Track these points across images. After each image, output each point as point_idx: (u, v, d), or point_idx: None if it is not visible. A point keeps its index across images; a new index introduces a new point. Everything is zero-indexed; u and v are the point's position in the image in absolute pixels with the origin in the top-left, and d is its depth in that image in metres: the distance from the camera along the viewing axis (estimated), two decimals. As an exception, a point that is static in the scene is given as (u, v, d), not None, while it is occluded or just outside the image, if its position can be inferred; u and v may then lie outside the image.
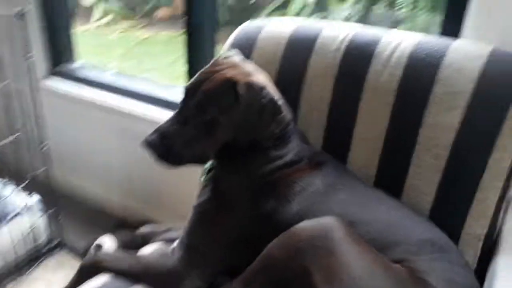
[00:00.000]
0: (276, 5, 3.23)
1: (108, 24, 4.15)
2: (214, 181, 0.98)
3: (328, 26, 1.09)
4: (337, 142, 1.07)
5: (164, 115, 1.66)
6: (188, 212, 1.75)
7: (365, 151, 1.03)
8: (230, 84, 0.91)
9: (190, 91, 0.94)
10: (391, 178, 0.99)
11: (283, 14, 3.11)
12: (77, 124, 2.03)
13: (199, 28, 1.56)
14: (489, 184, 0.87)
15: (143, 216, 1.95)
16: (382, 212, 0.86)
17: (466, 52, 0.92)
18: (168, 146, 0.91)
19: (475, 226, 0.89)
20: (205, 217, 0.95)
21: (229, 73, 0.93)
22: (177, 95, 1.75)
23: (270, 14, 3.22)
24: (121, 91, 1.88)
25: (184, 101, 0.95)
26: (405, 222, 0.83)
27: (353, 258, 0.73)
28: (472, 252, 0.90)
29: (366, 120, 1.01)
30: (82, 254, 1.76)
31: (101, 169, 2.05)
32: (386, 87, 0.97)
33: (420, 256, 0.77)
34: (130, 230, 1.86)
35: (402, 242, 0.79)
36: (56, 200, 1.76)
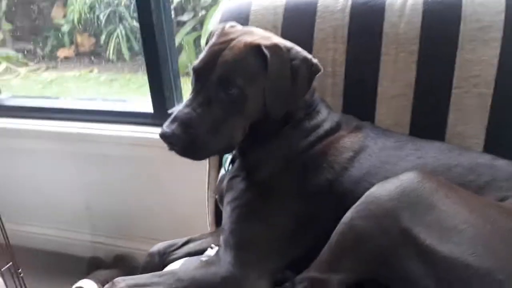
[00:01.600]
0: None
1: (6, 70, 3.70)
2: (246, 169, 0.84)
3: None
4: (359, 105, 0.98)
5: (122, 129, 1.51)
6: (167, 232, 1.59)
7: (394, 109, 0.96)
8: (254, 49, 0.78)
9: (203, 69, 0.80)
10: (428, 131, 0.93)
11: None
12: (14, 161, 1.72)
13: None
14: (542, 110, 0.84)
15: (116, 251, 1.71)
16: (455, 157, 0.78)
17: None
18: (193, 135, 0.76)
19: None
20: (250, 209, 0.80)
21: (248, 39, 0.81)
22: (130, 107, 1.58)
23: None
24: (58, 113, 1.64)
25: (199, 82, 0.80)
26: (484, 161, 0.76)
27: (459, 205, 0.64)
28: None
29: (390, 76, 0.95)
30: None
31: (54, 208, 1.76)
32: (408, 37, 0.92)
33: (517, 189, 0.70)
34: (107, 268, 1.63)
35: (493, 180, 0.72)
36: (11, 254, 1.45)
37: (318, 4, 0.99)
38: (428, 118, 0.93)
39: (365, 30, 0.95)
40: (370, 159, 0.79)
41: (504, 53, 0.85)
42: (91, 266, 1.63)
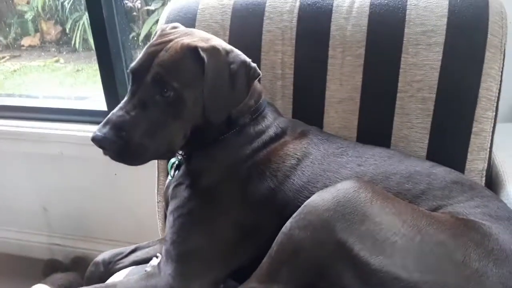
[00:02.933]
0: None
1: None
2: (190, 176, 0.82)
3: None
4: (308, 108, 0.98)
5: (77, 129, 1.46)
6: (123, 234, 1.57)
7: (341, 113, 0.96)
8: (192, 51, 0.76)
9: (139, 71, 0.77)
10: (375, 135, 0.93)
11: None
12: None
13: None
14: (483, 115, 0.85)
15: (74, 252, 1.67)
16: (394, 165, 0.78)
17: (427, -12, 0.90)
18: (126, 139, 0.73)
19: (477, 161, 0.87)
20: (192, 219, 0.78)
21: (186, 40, 0.78)
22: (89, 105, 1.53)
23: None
24: (19, 113, 1.57)
25: (135, 83, 0.77)
26: (422, 169, 0.76)
27: (393, 216, 0.63)
28: (476, 189, 0.88)
29: (337, 79, 0.94)
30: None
31: (9, 209, 1.70)
32: (354, 39, 0.91)
33: (452, 199, 0.70)
34: (63, 270, 1.59)
35: (428, 189, 0.72)
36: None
37: (267, 4, 0.97)
38: (375, 122, 0.93)
39: (313, 32, 0.94)
40: (312, 167, 0.78)
41: (446, 58, 0.85)
42: (48, 269, 1.59)
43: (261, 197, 0.77)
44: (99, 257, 0.96)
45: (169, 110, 0.75)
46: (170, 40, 0.78)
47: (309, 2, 0.95)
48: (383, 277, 0.59)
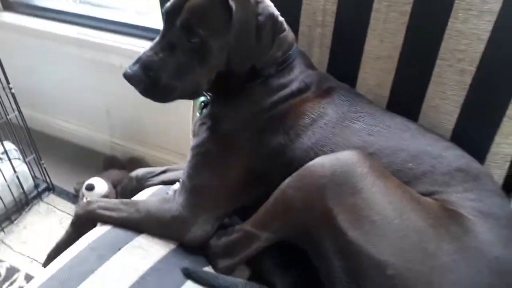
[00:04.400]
0: None
1: None
2: (212, 119, 0.87)
3: None
4: (345, 61, 0.96)
5: (137, 44, 1.53)
6: (174, 145, 1.70)
7: (377, 71, 0.92)
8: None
9: (171, 13, 0.79)
10: (406, 99, 0.91)
11: None
12: (43, 60, 1.83)
13: None
14: (523, 100, 0.78)
15: (130, 153, 1.86)
16: (406, 140, 0.77)
17: None
18: (153, 78, 0.78)
19: (504, 145, 0.82)
20: (208, 158, 0.85)
21: None
22: (149, 21, 1.57)
23: None
24: (86, 21, 1.67)
25: (167, 25, 0.80)
26: (432, 150, 0.75)
27: (382, 195, 0.65)
28: (499, 172, 0.84)
29: (378, 35, 0.89)
30: (75, 195, 1.70)
31: (78, 106, 1.91)
32: (402, -5, 0.84)
33: (451, 187, 0.70)
34: (120, 168, 1.79)
35: (430, 172, 0.72)
36: (34, 144, 1.64)
37: None
38: (409, 86, 0.90)
39: (359, -21, 0.88)
40: (324, 129, 0.79)
41: (496, 29, 0.76)
42: (107, 164, 1.80)
43: (271, 150, 0.81)
44: (133, 173, 1.08)
45: (195, 55, 0.78)
46: None
47: None
48: (355, 251, 0.63)
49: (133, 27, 1.57)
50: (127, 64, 1.65)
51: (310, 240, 0.70)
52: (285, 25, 0.79)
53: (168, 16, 0.80)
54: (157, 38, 0.80)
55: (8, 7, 1.84)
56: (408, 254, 0.61)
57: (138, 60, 0.78)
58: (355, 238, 0.64)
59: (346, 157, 0.69)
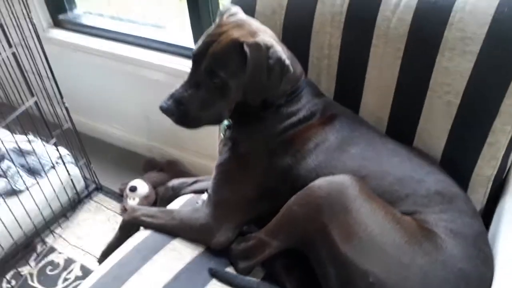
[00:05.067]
0: None
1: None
2: (232, 141, 1.03)
3: (333, -32, 1.04)
4: (349, 88, 1.08)
5: (170, 61, 1.70)
6: (206, 149, 1.87)
7: (377, 97, 1.04)
8: (237, 46, 0.90)
9: (198, 56, 0.95)
10: (403, 122, 1.03)
11: None
12: (89, 72, 2.05)
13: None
14: (500, 128, 0.89)
15: (168, 156, 2.06)
16: (394, 165, 0.90)
17: (480, -9, 0.89)
18: (184, 111, 0.95)
19: (486, 168, 0.93)
20: (228, 176, 1.01)
21: (235, 33, 0.92)
22: (181, 40, 1.74)
23: None
24: (126, 39, 1.86)
25: (194, 67, 0.96)
26: (416, 174, 0.88)
27: (368, 214, 0.79)
28: (482, 191, 0.96)
29: (377, 66, 1.02)
30: (120, 195, 1.91)
31: (121, 113, 2.12)
32: (396, 33, 0.96)
33: (429, 208, 0.83)
34: (158, 170, 1.99)
35: (412, 195, 0.85)
36: (84, 150, 1.86)
37: (323, -12, 1.04)
38: (405, 111, 1.02)
39: (360, 20, 1.00)
40: (325, 153, 0.93)
41: (476, 68, 0.88)
42: (147, 166, 2.00)
43: (280, 170, 0.96)
44: (170, 183, 1.27)
45: (217, 92, 0.94)
46: (223, 32, 0.93)
47: (361, -10, 1.00)
48: (344, 261, 0.78)
49: (166, 44, 1.74)
50: (163, 77, 1.84)
51: (310, 249, 0.85)
52: (291, 66, 0.93)
53: (195, 59, 0.96)
54: (187, 78, 0.97)
55: (57, 25, 2.07)
56: (387, 265, 0.76)
57: (172, 96, 0.95)
58: (345, 250, 0.78)
59: (340, 180, 0.84)
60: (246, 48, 0.90)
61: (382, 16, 0.97)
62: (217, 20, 1.00)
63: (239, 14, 1.00)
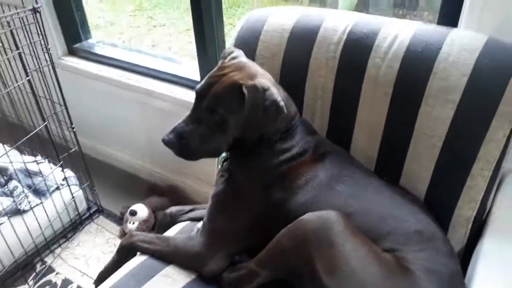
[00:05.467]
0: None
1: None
2: (229, 173, 1.09)
3: (329, 16, 1.13)
4: (341, 128, 1.15)
5: (176, 91, 1.79)
6: (206, 176, 1.93)
7: (367, 137, 1.11)
8: (237, 87, 0.98)
9: (201, 94, 1.02)
10: (391, 162, 1.08)
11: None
12: (98, 98, 2.14)
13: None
14: (479, 173, 0.95)
15: (169, 181, 2.12)
16: (378, 203, 0.95)
17: (462, 45, 0.96)
18: (185, 144, 1.02)
19: (465, 209, 0.98)
20: (223, 207, 1.07)
21: (235, 76, 1.00)
22: (188, 72, 1.83)
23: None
24: (135, 68, 1.96)
25: (196, 103, 1.03)
26: (398, 213, 0.93)
27: (351, 249, 0.84)
28: (462, 231, 1.01)
29: (367, 109, 1.08)
30: (120, 218, 1.96)
31: (126, 138, 2.19)
32: (385, 79, 1.03)
33: (408, 246, 0.88)
34: (159, 194, 2.05)
35: (393, 233, 0.90)
36: (89, 173, 1.93)
37: (319, 34, 1.11)
38: (393, 151, 1.07)
39: (352, 65, 1.08)
40: (315, 189, 0.99)
41: (456, 116, 0.94)
42: (149, 191, 2.06)
43: (273, 203, 1.01)
44: (168, 210, 1.32)
45: (217, 127, 1.01)
46: (225, 74, 1.01)
47: (354, 38, 1.07)
48: (326, 292, 0.82)
49: (174, 76, 1.83)
50: (168, 107, 1.91)
51: (297, 280, 0.90)
52: (285, 107, 1.00)
53: (197, 96, 1.03)
54: (188, 113, 1.04)
55: (72, 53, 2.18)
56: (365, 298, 0.80)
57: (174, 130, 1.02)
58: (328, 282, 0.83)
59: (328, 216, 0.89)
60: (245, 90, 0.97)
61: (372, 63, 1.05)
62: (220, 62, 1.08)
63: (240, 57, 1.08)
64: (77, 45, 2.14)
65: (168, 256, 1.08)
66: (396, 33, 1.03)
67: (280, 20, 1.16)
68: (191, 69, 1.83)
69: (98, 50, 2.11)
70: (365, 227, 0.91)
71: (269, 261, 0.95)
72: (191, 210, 1.32)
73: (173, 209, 1.33)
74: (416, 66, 0.99)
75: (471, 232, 1.00)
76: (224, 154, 1.15)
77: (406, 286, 0.81)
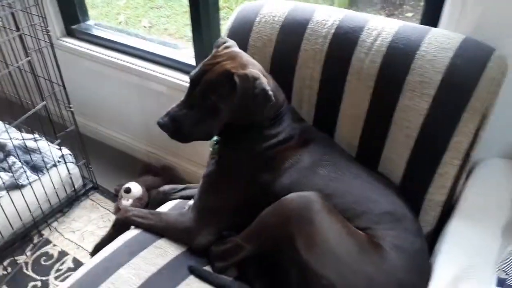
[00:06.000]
0: None
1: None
2: (219, 155, 1.17)
3: (319, 10, 1.19)
4: (326, 116, 1.22)
5: (172, 75, 1.85)
6: (199, 158, 2.01)
7: (350, 125, 1.18)
8: (228, 75, 1.05)
9: (194, 80, 1.09)
10: (370, 149, 1.16)
11: None
12: (96, 79, 2.19)
13: None
14: (449, 162, 1.03)
15: (164, 162, 2.19)
16: (355, 186, 1.04)
17: (439, 43, 1.03)
18: (178, 127, 1.09)
19: (436, 194, 1.07)
20: (212, 186, 1.15)
21: (228, 65, 1.07)
22: (184, 56, 1.88)
23: None
24: (133, 52, 2.00)
25: (190, 89, 1.10)
26: (373, 195, 1.02)
27: (328, 227, 0.92)
28: (433, 214, 1.10)
29: (350, 99, 1.16)
30: (115, 195, 2.04)
31: (123, 119, 2.26)
32: (368, 72, 1.10)
33: (379, 225, 0.96)
34: (154, 174, 2.12)
35: (367, 213, 0.98)
36: (85, 151, 2.00)
37: (308, 27, 1.18)
38: (372, 140, 1.15)
39: (338, 58, 1.15)
40: (298, 172, 1.07)
41: (431, 108, 1.02)
42: (143, 170, 2.13)
43: (259, 184, 1.09)
44: (161, 188, 1.40)
45: (208, 113, 1.08)
46: (218, 62, 1.08)
47: (341, 32, 1.14)
48: (305, 266, 0.91)
49: (170, 60, 1.88)
50: (164, 89, 1.97)
51: (278, 255, 0.98)
52: (274, 96, 1.07)
53: (191, 82, 1.10)
54: (183, 98, 1.11)
55: (70, 34, 2.22)
56: (339, 271, 0.89)
57: (168, 114, 1.09)
58: (306, 257, 0.91)
59: (308, 196, 0.97)
60: (236, 78, 1.04)
61: (356, 57, 1.12)
62: (213, 51, 1.14)
63: (233, 47, 1.14)
64: (75, 26, 2.18)
65: (160, 230, 1.16)
66: (380, 29, 1.10)
67: (272, 12, 1.22)
68: (187, 54, 1.88)
69: (96, 32, 2.14)
70: (342, 207, 0.99)
71: (253, 236, 1.03)
72: (183, 189, 1.40)
73: (166, 187, 1.40)
74: (397, 62, 1.07)
75: (441, 215, 1.09)
76: (215, 138, 1.23)
77: (376, 259, 0.90)
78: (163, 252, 1.11)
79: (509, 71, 1.02)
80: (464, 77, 0.99)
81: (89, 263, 1.12)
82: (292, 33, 1.20)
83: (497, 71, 0.98)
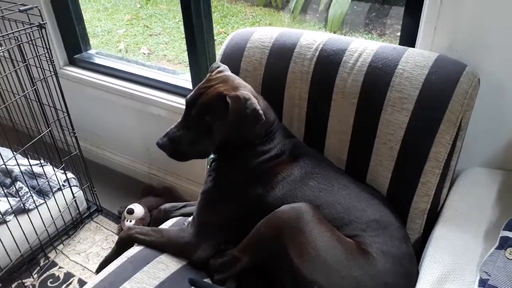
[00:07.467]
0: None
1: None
2: (215, 173, 1.24)
3: (305, 35, 1.28)
4: (315, 132, 1.30)
5: (171, 99, 1.94)
6: (198, 178, 2.08)
7: (337, 141, 1.26)
8: (222, 97, 1.13)
9: (190, 103, 1.17)
10: (358, 162, 1.24)
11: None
12: (98, 105, 2.28)
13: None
14: (430, 171, 1.10)
15: (165, 183, 2.26)
16: (343, 197, 1.10)
17: (415, 62, 1.11)
18: (176, 147, 1.17)
19: (420, 203, 1.14)
20: (210, 202, 1.21)
21: (221, 88, 1.15)
22: (181, 81, 1.97)
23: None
24: (132, 78, 2.10)
25: (186, 111, 1.18)
26: (360, 205, 1.08)
27: (318, 235, 0.99)
28: (419, 222, 1.16)
29: (336, 116, 1.23)
30: (118, 217, 2.10)
31: (124, 143, 2.34)
32: (351, 91, 1.18)
33: (367, 232, 1.03)
34: (155, 195, 2.19)
35: (355, 221, 1.05)
36: (89, 175, 2.07)
37: (295, 51, 1.27)
38: (359, 154, 1.23)
39: (323, 78, 1.23)
40: (290, 185, 1.14)
41: (410, 122, 1.09)
42: (145, 192, 2.20)
43: (253, 198, 1.16)
44: (162, 206, 1.47)
45: (204, 132, 1.15)
46: (212, 86, 1.16)
47: (325, 54, 1.23)
48: (297, 273, 0.97)
49: (168, 84, 1.98)
50: (163, 113, 2.05)
51: (273, 265, 1.04)
52: (264, 115, 1.15)
53: (187, 105, 1.18)
54: (179, 120, 1.19)
55: (73, 63, 2.32)
56: (329, 276, 0.95)
57: (166, 135, 1.17)
58: (298, 264, 0.97)
59: (299, 207, 1.04)
60: (229, 100, 1.12)
61: (340, 77, 1.20)
62: (207, 75, 1.23)
63: (225, 71, 1.23)
64: (77, 56, 2.28)
65: (162, 246, 1.23)
66: (361, 51, 1.19)
67: (261, 38, 1.32)
68: (184, 79, 1.98)
69: (97, 60, 2.25)
70: (332, 216, 1.06)
71: (249, 248, 1.09)
72: (183, 207, 1.46)
73: (167, 205, 1.47)
74: (377, 81, 1.15)
75: (427, 222, 1.15)
76: (212, 156, 1.30)
77: (364, 265, 0.96)
78: (165, 266, 1.17)
79: (485, 85, 1.10)
80: (438, 92, 1.07)
81: (95, 278, 1.17)
82: (280, 57, 1.29)
83: (468, 85, 1.06)
